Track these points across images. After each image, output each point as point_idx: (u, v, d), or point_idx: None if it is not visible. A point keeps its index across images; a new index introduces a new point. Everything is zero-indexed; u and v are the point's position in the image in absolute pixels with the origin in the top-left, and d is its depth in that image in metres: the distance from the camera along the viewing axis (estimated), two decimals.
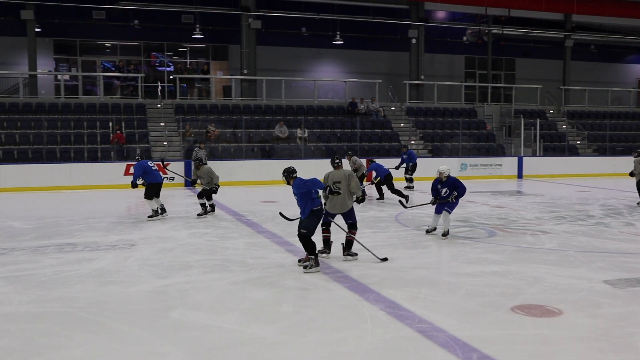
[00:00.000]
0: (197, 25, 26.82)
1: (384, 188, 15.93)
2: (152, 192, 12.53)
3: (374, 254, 8.44)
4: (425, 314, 5.99)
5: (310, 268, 7.73)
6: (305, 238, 7.78)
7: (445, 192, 10.05)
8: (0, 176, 18.50)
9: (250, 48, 25.89)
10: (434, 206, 10.32)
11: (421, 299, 6.57)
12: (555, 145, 26.56)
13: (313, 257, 7.80)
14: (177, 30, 28.59)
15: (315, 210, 7.85)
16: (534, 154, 25.58)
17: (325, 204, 8.35)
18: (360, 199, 8.74)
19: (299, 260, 8.13)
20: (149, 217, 12.56)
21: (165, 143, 21.82)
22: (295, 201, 8.04)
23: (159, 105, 23.78)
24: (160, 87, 25.97)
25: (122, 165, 19.06)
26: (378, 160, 16.50)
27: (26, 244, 9.78)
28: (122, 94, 26.60)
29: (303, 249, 7.98)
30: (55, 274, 7.69)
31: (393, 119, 26.13)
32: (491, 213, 13.37)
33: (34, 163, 19.60)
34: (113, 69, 29.02)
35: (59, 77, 26.89)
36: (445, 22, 32.63)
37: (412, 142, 24.70)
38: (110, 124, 21.52)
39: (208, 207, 13.11)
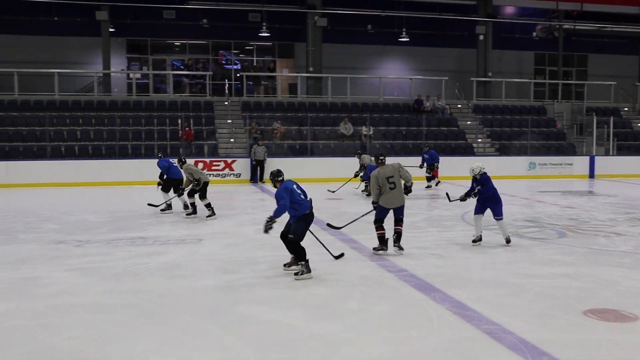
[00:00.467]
0: (264, 24, 27.11)
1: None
2: (170, 186, 13.02)
3: (328, 251, 8.12)
4: (493, 315, 5.87)
5: (301, 274, 7.30)
6: (293, 244, 7.44)
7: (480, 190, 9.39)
8: (76, 171, 19.22)
9: (316, 46, 26.01)
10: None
11: (488, 299, 6.45)
12: (630, 144, 25.58)
13: (303, 262, 7.39)
14: (244, 28, 28.96)
15: (303, 216, 7.44)
16: (606, 153, 24.71)
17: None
18: (409, 190, 8.82)
19: (285, 265, 7.74)
20: (161, 210, 13.00)
21: (232, 140, 22.18)
22: None
23: (226, 103, 24.18)
24: (227, 85, 26.39)
25: (191, 162, 19.43)
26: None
27: (100, 236, 10.13)
28: (191, 92, 27.16)
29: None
30: (127, 267, 7.92)
31: (459, 116, 25.74)
32: (561, 213, 12.99)
33: (107, 159, 20.27)
34: (182, 67, 29.67)
35: (131, 75, 27.69)
36: (514, 17, 31.91)
37: (479, 140, 24.27)
38: (179, 121, 22.04)
39: (203, 209, 12.49)
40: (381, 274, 7.55)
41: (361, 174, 17.01)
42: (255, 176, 20.31)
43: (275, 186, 7.59)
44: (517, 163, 22.55)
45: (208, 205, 12.36)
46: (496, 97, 27.96)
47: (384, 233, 8.72)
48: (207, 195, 12.43)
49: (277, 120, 22.80)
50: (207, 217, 12.25)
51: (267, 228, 7.31)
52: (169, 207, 13.08)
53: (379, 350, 5.07)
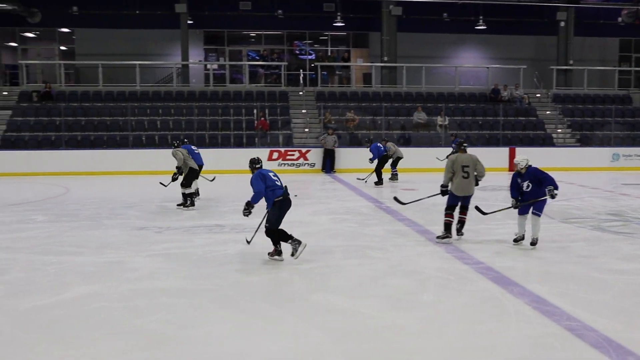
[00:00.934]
0: (338, 14, 27.10)
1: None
2: (193, 175, 12.85)
3: (253, 235, 8.21)
4: (574, 311, 5.69)
5: (299, 252, 7.53)
6: (269, 233, 7.57)
7: (527, 186, 8.31)
8: (156, 160, 19.81)
9: (390, 35, 25.80)
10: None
11: (569, 295, 6.25)
12: None
13: (290, 241, 7.53)
14: (319, 18, 29.04)
15: (277, 201, 7.49)
16: None
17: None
18: (476, 183, 9.03)
19: (269, 253, 7.77)
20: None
21: (306, 130, 22.33)
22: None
23: (300, 93, 24.36)
24: (302, 75, 26.57)
25: (266, 151, 19.74)
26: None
27: (179, 224, 10.42)
28: (266, 82, 27.51)
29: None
30: (205, 254, 8.13)
31: (538, 106, 25.02)
32: None
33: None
34: (257, 58, 30.06)
35: (208, 66, 28.27)
36: (597, 2, 30.65)
37: (559, 130, 23.53)
38: (255, 111, 22.37)
39: (194, 199, 12.45)
40: (457, 266, 7.45)
41: (394, 158, 17.39)
42: (327, 165, 20.38)
43: (252, 173, 7.72)
44: (600, 154, 21.72)
45: (187, 195, 12.12)
46: (577, 86, 27.00)
47: (452, 221, 8.83)
48: (192, 186, 12.31)
49: (351, 110, 22.79)
50: (177, 205, 12.15)
51: (246, 213, 7.53)
52: (196, 192, 13.23)
53: (454, 343, 5.01)
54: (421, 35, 29.15)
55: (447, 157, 17.73)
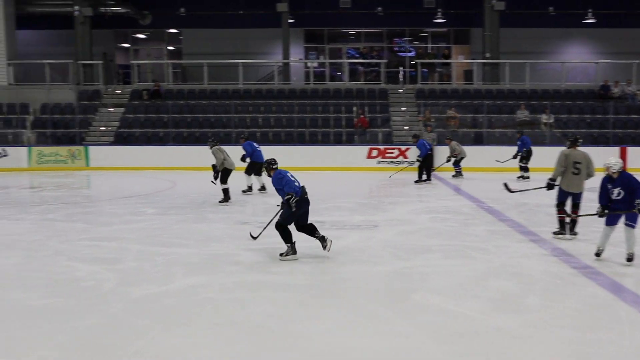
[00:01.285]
0: (439, 10, 26.72)
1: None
2: (253, 169, 13.83)
3: (262, 231, 8.41)
4: None
5: (286, 255, 7.60)
6: (278, 227, 7.65)
7: (618, 193, 7.28)
8: None
9: (493, 31, 25.13)
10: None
11: None
12: None
13: (289, 244, 7.63)
14: (419, 15, 28.73)
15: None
16: None
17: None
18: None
19: (280, 254, 7.73)
20: (243, 191, 13.82)
21: (405, 127, 22.17)
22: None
23: (400, 90, 24.21)
24: (401, 73, 26.38)
25: (365, 149, 19.76)
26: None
27: None
28: (366, 80, 27.51)
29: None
30: (306, 249, 8.22)
31: None
32: None
33: (286, 145, 21.16)
34: (357, 55, 30.13)
35: (309, 64, 28.62)
36: None
37: None
38: (354, 108, 22.43)
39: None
40: (564, 270, 7.17)
41: (452, 160, 17.53)
42: None
43: (269, 175, 7.92)
44: None
45: (226, 191, 12.56)
46: None
47: (564, 217, 8.72)
48: (228, 181, 12.67)
49: (452, 107, 22.41)
50: (220, 201, 12.53)
51: (293, 205, 7.55)
52: (249, 189, 14.00)
53: (562, 350, 4.83)
54: (525, 30, 28.22)
55: (513, 157, 17.47)
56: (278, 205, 7.98)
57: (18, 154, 21.05)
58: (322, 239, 7.75)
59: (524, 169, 17.32)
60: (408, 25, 29.87)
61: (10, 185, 16.83)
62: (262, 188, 14.15)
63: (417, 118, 22.47)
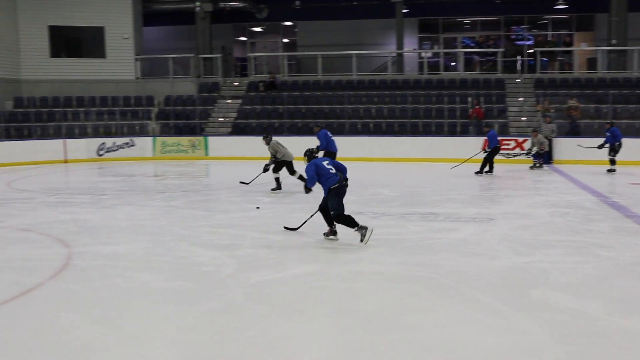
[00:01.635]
0: None
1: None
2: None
3: (303, 223, 8.64)
4: None
5: (364, 236, 7.79)
6: (337, 218, 7.89)
7: None
8: (370, 147, 20.34)
9: (620, 15, 23.69)
10: None
11: None
12: None
13: (357, 227, 7.82)
14: (539, 1, 27.61)
15: (333, 188, 7.87)
16: None
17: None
18: None
19: (324, 234, 8.22)
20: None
21: (523, 118, 21.43)
22: None
23: (517, 80, 23.42)
24: (519, 62, 25.50)
25: (480, 140, 19.26)
26: None
27: (393, 210, 10.60)
28: (482, 70, 26.81)
29: None
30: (420, 240, 8.18)
31: None
32: None
33: (399, 136, 21.04)
34: (473, 44, 29.42)
35: (422, 54, 28.27)
36: None
37: None
38: (469, 99, 21.94)
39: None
40: None
41: (532, 152, 17.17)
42: (545, 156, 19.30)
43: (307, 162, 8.27)
44: None
45: (277, 179, 12.87)
46: None
47: None
48: (294, 173, 12.95)
49: (573, 97, 21.39)
50: (272, 189, 12.88)
51: (307, 191, 8.64)
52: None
53: None
54: None
55: (599, 147, 16.45)
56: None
57: (144, 144, 22.25)
58: (334, 233, 8.14)
59: (612, 161, 16.56)
60: (527, 12, 28.78)
61: (137, 174, 17.83)
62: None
63: (535, 108, 21.64)
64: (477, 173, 15.90)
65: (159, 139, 22.42)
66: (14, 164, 19.40)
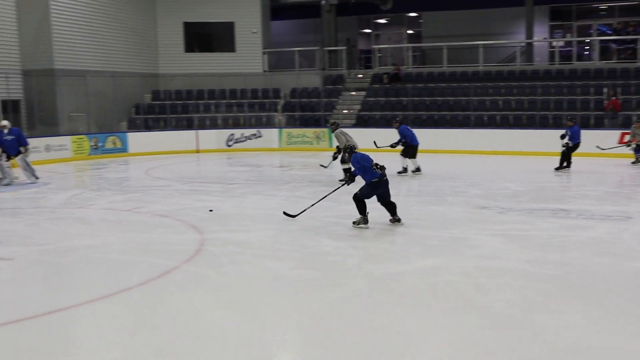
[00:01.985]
0: None
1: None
2: (409, 152, 14.16)
3: (304, 210, 9.28)
4: None
5: (358, 224, 8.61)
6: (356, 199, 8.62)
7: None
8: (496, 140, 19.75)
9: None
10: None
11: None
12: None
13: (363, 216, 8.62)
14: None
15: (374, 182, 8.48)
16: None
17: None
18: None
19: (353, 222, 8.72)
20: (398, 172, 13.96)
21: None
22: None
23: None
24: None
25: (616, 133, 18.18)
26: None
27: (521, 205, 10.25)
28: (619, 58, 25.22)
29: None
30: (550, 238, 7.87)
31: None
32: None
33: (528, 128, 20.29)
34: (609, 32, 27.76)
35: (554, 43, 27.04)
36: None
37: None
38: (605, 89, 20.76)
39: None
40: None
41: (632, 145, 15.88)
42: None
43: (348, 159, 9.09)
44: None
45: (346, 170, 12.37)
46: None
47: None
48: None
49: None
50: (340, 180, 12.37)
51: (347, 179, 9.48)
52: (404, 170, 14.23)
53: None
54: None
55: (627, 144, 14.96)
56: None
57: (270, 135, 22.88)
58: (397, 220, 8.70)
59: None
60: None
61: (264, 164, 18.39)
62: (417, 170, 14.38)
63: None
64: (556, 169, 14.99)
65: (285, 131, 22.97)
66: (150, 153, 20.62)
